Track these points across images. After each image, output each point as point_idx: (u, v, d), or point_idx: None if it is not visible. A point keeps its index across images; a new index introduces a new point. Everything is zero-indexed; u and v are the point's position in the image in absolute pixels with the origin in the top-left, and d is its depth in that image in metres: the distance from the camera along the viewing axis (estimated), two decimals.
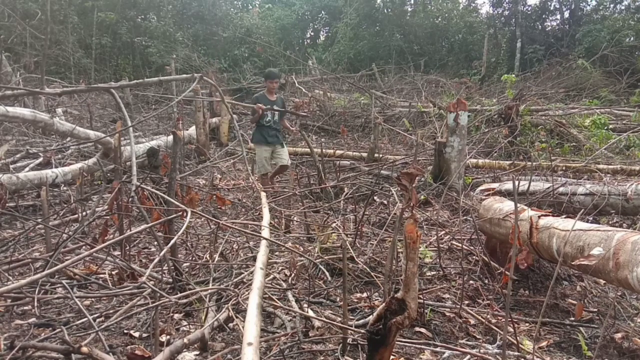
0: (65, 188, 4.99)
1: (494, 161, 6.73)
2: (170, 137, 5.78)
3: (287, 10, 21.32)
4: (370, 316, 2.21)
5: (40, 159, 5.75)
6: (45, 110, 7.19)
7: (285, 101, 6.29)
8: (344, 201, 4.85)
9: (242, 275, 2.76)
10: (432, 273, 3.20)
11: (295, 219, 4.28)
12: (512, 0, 19.42)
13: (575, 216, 2.64)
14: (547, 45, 17.88)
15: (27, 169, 5.31)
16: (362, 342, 2.14)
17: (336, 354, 2.12)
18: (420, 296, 2.47)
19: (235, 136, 8.87)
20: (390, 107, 11.04)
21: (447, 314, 2.59)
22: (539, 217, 2.74)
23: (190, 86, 5.30)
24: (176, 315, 2.47)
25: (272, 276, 2.91)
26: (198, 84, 6.81)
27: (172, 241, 2.04)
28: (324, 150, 6.61)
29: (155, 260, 1.89)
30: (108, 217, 3.18)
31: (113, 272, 2.92)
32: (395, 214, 4.14)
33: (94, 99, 11.42)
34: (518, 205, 2.33)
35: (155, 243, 3.43)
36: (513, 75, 11.24)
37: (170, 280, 2.72)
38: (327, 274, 2.92)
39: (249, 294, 1.75)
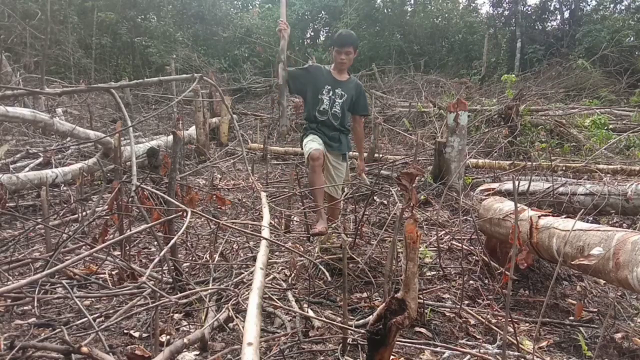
0: (65, 188, 4.99)
1: (494, 161, 6.73)
2: (170, 137, 5.77)
3: (287, 10, 21.31)
4: (370, 316, 2.21)
5: (40, 159, 5.75)
6: (45, 110, 7.20)
7: (363, 92, 3.90)
8: (343, 201, 4.84)
9: (242, 276, 2.76)
10: (432, 273, 3.20)
11: (295, 218, 4.27)
12: (512, 0, 19.42)
13: (575, 216, 2.64)
14: (547, 45, 17.89)
15: (27, 169, 5.31)
16: (362, 342, 2.14)
17: (336, 354, 2.12)
18: (420, 296, 2.47)
19: (235, 136, 8.88)
20: (390, 107, 11.04)
21: (447, 314, 2.59)
22: (539, 217, 2.74)
23: (190, 86, 5.30)
24: (176, 315, 2.47)
25: (272, 276, 2.91)
26: (198, 84, 6.80)
27: (172, 241, 2.04)
28: None
29: (155, 260, 1.89)
30: (108, 217, 3.18)
31: (113, 272, 2.92)
32: (395, 214, 4.13)
33: (94, 99, 11.42)
34: (518, 205, 2.33)
35: (155, 243, 3.43)
36: (513, 75, 11.25)
37: (170, 280, 2.72)
38: (327, 274, 2.92)
39: (249, 294, 1.75)
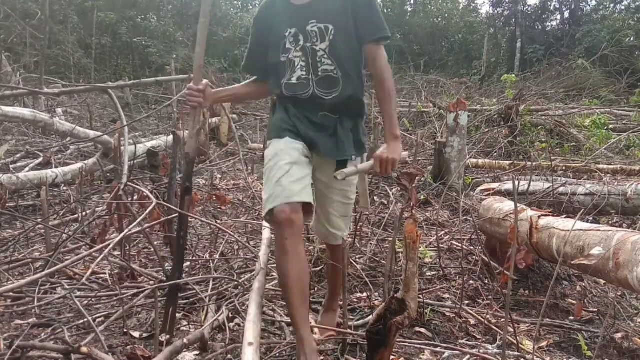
0: (65, 188, 4.98)
1: (494, 161, 6.73)
2: (170, 137, 5.77)
3: None
4: (370, 316, 2.21)
5: (40, 159, 5.75)
6: (45, 110, 7.19)
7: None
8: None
9: (244, 278, 2.76)
10: (432, 273, 3.20)
11: None
12: (512, 0, 19.43)
13: (575, 216, 2.64)
14: (547, 45, 17.92)
15: (27, 169, 5.31)
16: (362, 342, 2.14)
17: (336, 354, 2.12)
18: (420, 296, 2.46)
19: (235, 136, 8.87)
20: None
21: (447, 314, 2.59)
22: (539, 217, 2.74)
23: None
24: (176, 315, 2.47)
25: (272, 275, 2.90)
26: None
27: (122, 235, 2.04)
28: None
29: (116, 241, 1.89)
30: (108, 217, 3.18)
31: (113, 272, 2.91)
32: (395, 214, 4.14)
33: (94, 99, 11.41)
34: (518, 205, 2.33)
35: (156, 243, 3.43)
36: (513, 75, 11.25)
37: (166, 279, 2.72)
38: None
39: (249, 294, 1.75)
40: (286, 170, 1.81)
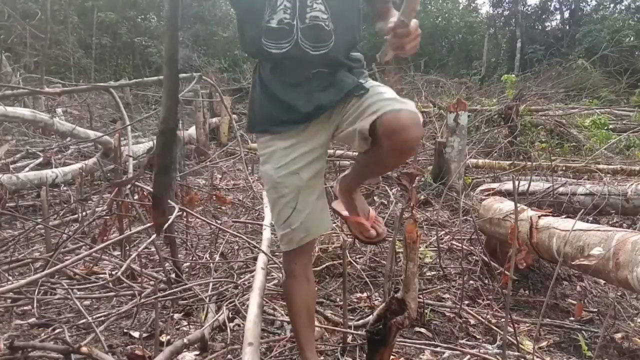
0: (65, 188, 4.98)
1: (494, 161, 6.72)
2: None
3: None
4: (370, 316, 2.21)
5: (40, 159, 5.75)
6: (45, 110, 7.19)
7: None
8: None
9: (244, 278, 2.76)
10: (432, 273, 3.20)
11: None
12: (512, 0, 19.44)
13: (575, 216, 2.64)
14: (547, 45, 17.94)
15: (27, 169, 5.31)
16: (362, 342, 2.14)
17: (336, 354, 2.12)
18: (420, 296, 2.47)
19: (235, 136, 8.87)
20: None
21: (447, 314, 2.59)
22: (539, 217, 2.74)
23: (189, 86, 5.29)
24: (176, 315, 2.47)
25: (273, 275, 2.90)
26: (197, 84, 6.77)
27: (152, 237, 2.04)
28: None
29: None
30: (108, 217, 3.18)
31: (113, 272, 2.91)
32: (395, 214, 4.14)
33: (94, 99, 11.42)
34: (518, 205, 2.33)
35: (156, 242, 3.42)
36: (513, 75, 11.25)
37: (165, 279, 2.72)
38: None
39: (249, 294, 1.75)
40: (292, 207, 1.60)
